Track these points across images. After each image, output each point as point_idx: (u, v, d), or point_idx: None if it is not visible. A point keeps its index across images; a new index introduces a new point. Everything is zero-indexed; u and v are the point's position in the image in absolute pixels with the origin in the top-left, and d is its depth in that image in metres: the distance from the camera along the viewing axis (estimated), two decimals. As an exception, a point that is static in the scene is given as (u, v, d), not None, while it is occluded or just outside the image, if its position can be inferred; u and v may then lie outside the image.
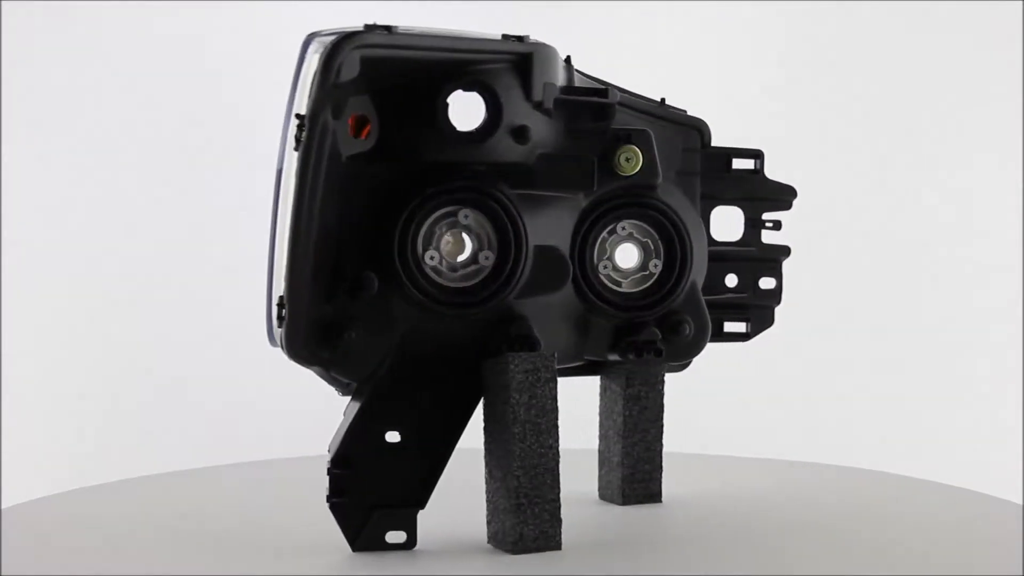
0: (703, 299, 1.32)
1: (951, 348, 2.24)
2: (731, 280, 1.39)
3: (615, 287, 1.30)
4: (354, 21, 1.32)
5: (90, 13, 2.03)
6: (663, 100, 1.33)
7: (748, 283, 1.39)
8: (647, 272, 1.31)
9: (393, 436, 1.18)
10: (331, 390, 1.22)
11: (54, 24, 2.01)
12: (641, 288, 1.31)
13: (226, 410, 2.01)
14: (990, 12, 2.19)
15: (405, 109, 1.14)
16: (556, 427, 1.18)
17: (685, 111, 1.36)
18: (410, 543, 1.19)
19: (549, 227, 1.22)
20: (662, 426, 1.38)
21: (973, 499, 1.41)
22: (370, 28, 1.11)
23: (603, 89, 1.24)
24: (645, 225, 1.31)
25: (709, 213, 1.37)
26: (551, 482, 1.18)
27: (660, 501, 1.37)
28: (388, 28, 1.11)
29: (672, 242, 1.31)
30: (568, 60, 1.24)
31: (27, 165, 2.05)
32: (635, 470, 1.37)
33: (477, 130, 1.17)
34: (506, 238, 1.18)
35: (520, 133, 1.17)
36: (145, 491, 1.43)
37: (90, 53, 2.03)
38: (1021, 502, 1.40)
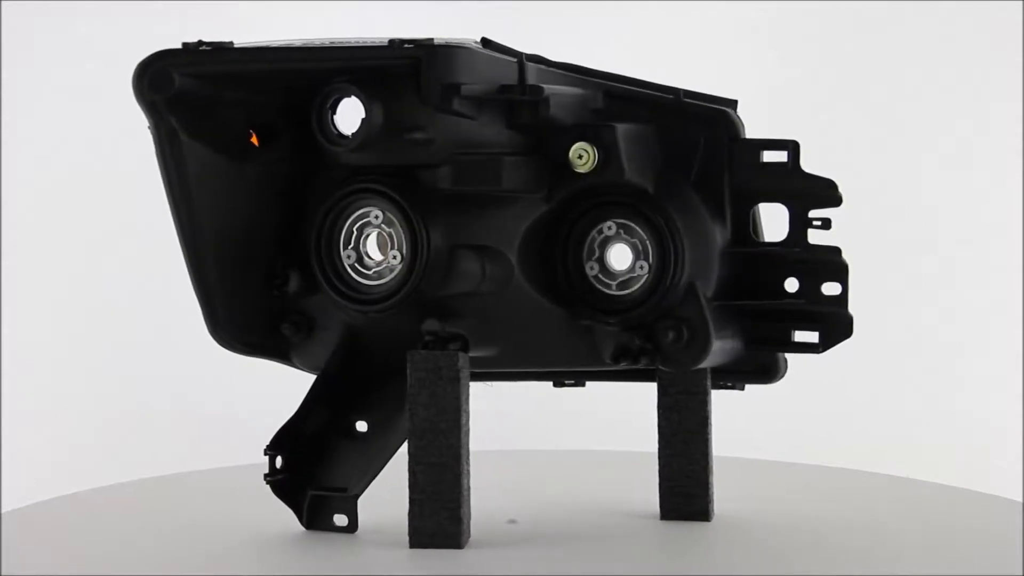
0: (707, 304, 1.23)
1: (951, 348, 2.16)
2: (791, 285, 1.28)
3: (604, 289, 1.25)
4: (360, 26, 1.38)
5: (90, 13, 2.11)
6: (680, 92, 1.27)
7: (810, 288, 1.28)
8: (635, 274, 1.24)
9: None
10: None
11: (54, 24, 2.10)
12: (630, 291, 1.24)
13: (226, 413, 2.03)
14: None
15: (301, 117, 1.20)
16: (458, 426, 1.18)
17: (735, 102, 1.29)
18: (351, 527, 1.24)
19: (479, 227, 1.21)
20: (708, 439, 1.29)
21: (973, 499, 1.40)
22: (187, 46, 1.17)
23: (534, 87, 1.20)
24: (632, 224, 1.24)
25: (747, 210, 1.27)
26: (451, 480, 1.18)
27: (708, 520, 1.29)
28: (211, 45, 1.17)
29: (661, 242, 1.23)
30: (521, 56, 1.22)
31: (27, 165, 2.13)
32: (674, 484, 1.30)
33: (353, 134, 1.19)
34: (411, 237, 1.20)
35: (410, 134, 1.18)
36: (145, 494, 1.46)
37: (90, 53, 2.10)
38: (1021, 502, 1.38)
